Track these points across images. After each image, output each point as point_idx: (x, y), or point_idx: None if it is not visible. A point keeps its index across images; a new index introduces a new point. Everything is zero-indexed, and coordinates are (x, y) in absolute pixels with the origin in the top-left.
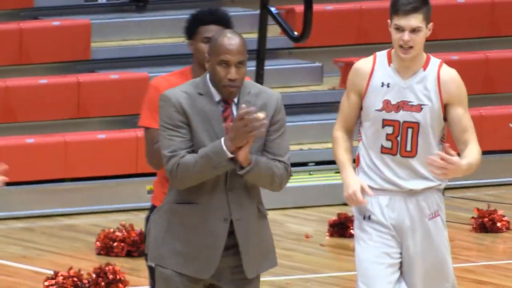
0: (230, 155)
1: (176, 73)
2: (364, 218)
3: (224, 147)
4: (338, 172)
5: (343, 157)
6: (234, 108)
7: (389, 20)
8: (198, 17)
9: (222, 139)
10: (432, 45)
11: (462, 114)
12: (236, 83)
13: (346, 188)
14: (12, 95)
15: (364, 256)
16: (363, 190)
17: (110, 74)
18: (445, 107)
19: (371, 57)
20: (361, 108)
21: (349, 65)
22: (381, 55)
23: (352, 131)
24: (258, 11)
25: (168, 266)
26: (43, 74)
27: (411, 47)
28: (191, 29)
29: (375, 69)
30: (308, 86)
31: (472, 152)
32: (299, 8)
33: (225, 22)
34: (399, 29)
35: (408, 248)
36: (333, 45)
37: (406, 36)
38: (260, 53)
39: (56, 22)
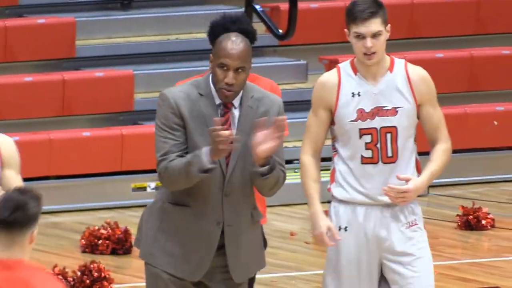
0: (208, 166)
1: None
2: (340, 229)
3: (204, 156)
4: (323, 170)
5: (312, 190)
6: (235, 111)
7: (346, 30)
8: (223, 25)
9: (206, 149)
10: (417, 42)
11: (432, 112)
12: (233, 87)
13: (313, 227)
14: None
15: (337, 264)
16: (330, 231)
17: (95, 72)
18: (418, 106)
19: (334, 69)
20: (332, 123)
21: (334, 62)
22: (344, 65)
23: (320, 151)
24: (243, 9)
25: (158, 266)
26: (28, 71)
27: (374, 52)
28: (215, 36)
29: (342, 81)
30: (293, 84)
31: (437, 156)
32: (284, 5)
33: (248, 32)
34: (360, 36)
35: (390, 259)
36: (318, 42)
37: (368, 42)
38: None
39: (41, 20)
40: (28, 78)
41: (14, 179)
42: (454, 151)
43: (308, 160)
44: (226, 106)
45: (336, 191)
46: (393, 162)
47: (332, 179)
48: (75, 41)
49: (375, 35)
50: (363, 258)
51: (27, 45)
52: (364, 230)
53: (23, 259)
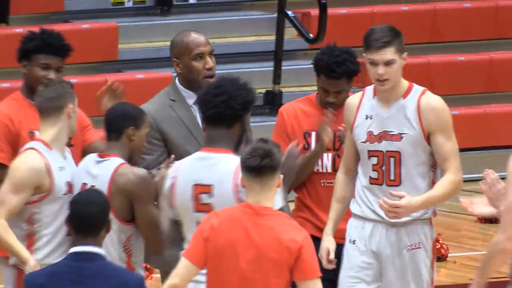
0: None
1: (304, 99)
2: (349, 241)
3: None
4: None
5: (331, 211)
6: None
7: (364, 54)
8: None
9: None
10: (440, 47)
11: (442, 142)
12: (213, 71)
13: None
14: None
15: (342, 275)
16: (328, 255)
17: (136, 74)
18: (428, 135)
19: (361, 92)
20: None
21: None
22: (369, 88)
23: (353, 169)
24: (275, 15)
25: None
26: (73, 74)
27: (386, 79)
28: (318, 73)
29: (362, 103)
30: None
31: (441, 185)
32: (314, 11)
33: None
34: (373, 63)
35: (387, 275)
36: (346, 46)
37: (380, 69)
38: (278, 54)
39: (85, 25)
40: (73, 80)
41: None
42: (476, 149)
43: (340, 177)
44: None
45: (352, 206)
46: (396, 186)
47: (353, 194)
48: (117, 45)
49: (388, 63)
50: (366, 271)
51: (74, 49)
52: (369, 245)
53: (271, 206)
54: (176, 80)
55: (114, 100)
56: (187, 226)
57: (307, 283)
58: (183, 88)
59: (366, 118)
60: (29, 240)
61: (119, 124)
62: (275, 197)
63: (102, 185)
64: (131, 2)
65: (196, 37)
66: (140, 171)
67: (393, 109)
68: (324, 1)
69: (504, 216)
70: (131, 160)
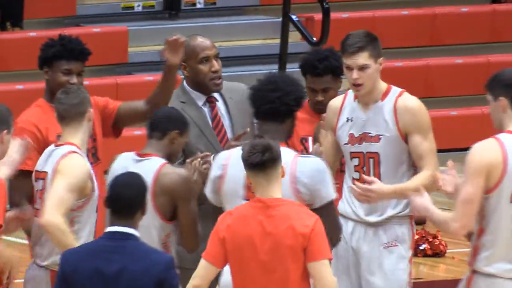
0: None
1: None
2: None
3: None
4: None
5: None
6: (220, 105)
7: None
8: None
9: None
10: (439, 50)
11: (419, 142)
12: (219, 74)
13: None
14: None
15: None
16: None
17: (146, 76)
18: (406, 135)
19: (343, 94)
20: None
21: None
22: (351, 91)
23: (333, 169)
24: (280, 19)
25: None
26: (84, 76)
27: (360, 84)
28: (304, 73)
29: (344, 106)
30: None
31: (415, 178)
32: (318, 16)
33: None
34: (348, 68)
35: (365, 271)
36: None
37: (355, 74)
38: (282, 57)
39: (96, 28)
40: (85, 82)
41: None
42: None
43: None
44: (211, 103)
45: (339, 205)
46: None
47: (340, 194)
48: (127, 48)
49: (362, 68)
50: (350, 268)
51: None
52: (350, 242)
53: (280, 197)
54: (184, 83)
55: (176, 52)
56: None
57: (315, 264)
58: (191, 90)
59: (347, 121)
60: None
61: (166, 125)
62: (280, 188)
63: None
64: (140, 6)
65: (202, 41)
66: (183, 171)
67: (372, 111)
68: (327, 6)
69: (458, 207)
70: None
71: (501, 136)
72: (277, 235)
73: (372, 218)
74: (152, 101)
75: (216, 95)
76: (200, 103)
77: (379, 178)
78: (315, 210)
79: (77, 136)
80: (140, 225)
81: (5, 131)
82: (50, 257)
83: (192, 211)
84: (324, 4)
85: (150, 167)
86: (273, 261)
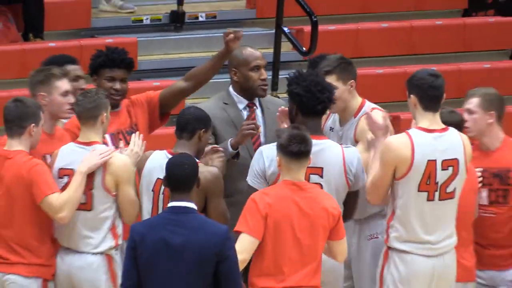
0: (230, 151)
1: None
2: None
3: (228, 145)
4: None
5: None
6: (258, 111)
7: None
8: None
9: (227, 141)
10: (416, 58)
11: (362, 149)
12: (266, 81)
13: None
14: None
15: None
16: None
17: (154, 82)
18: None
19: None
20: None
21: None
22: None
23: None
24: (273, 31)
25: None
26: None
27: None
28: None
29: (330, 115)
30: None
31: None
32: (307, 28)
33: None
34: None
35: (354, 262)
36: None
37: None
38: (275, 65)
39: (109, 39)
40: None
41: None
42: None
43: None
44: (250, 108)
45: None
46: None
47: None
48: (137, 57)
49: None
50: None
51: None
52: (348, 238)
53: (306, 181)
54: (230, 87)
55: (236, 42)
56: None
57: (340, 242)
58: (236, 94)
59: (330, 130)
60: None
61: (194, 125)
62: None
63: None
64: (148, 19)
65: (253, 51)
66: (214, 169)
67: (346, 127)
68: (315, 19)
69: (370, 186)
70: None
71: (411, 132)
72: (313, 216)
73: (359, 215)
74: (194, 78)
75: (256, 102)
76: (241, 106)
77: None
78: (350, 193)
79: (92, 136)
80: None
81: (33, 125)
82: (102, 244)
83: (222, 206)
84: (313, 17)
85: None
86: (308, 239)
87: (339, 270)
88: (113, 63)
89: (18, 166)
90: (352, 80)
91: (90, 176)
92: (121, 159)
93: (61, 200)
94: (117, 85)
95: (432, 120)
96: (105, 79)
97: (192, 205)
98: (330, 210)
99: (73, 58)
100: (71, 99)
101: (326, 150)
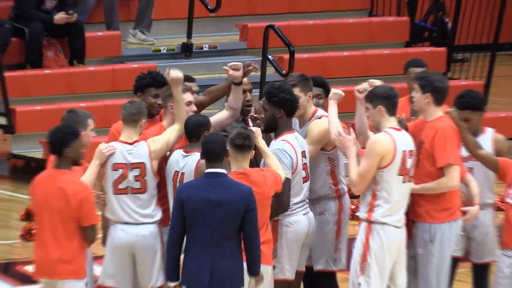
0: None
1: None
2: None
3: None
4: None
5: None
6: (250, 122)
7: None
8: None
9: None
10: (369, 79)
11: (311, 150)
12: (250, 102)
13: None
14: (108, 113)
15: None
16: None
17: None
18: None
19: None
20: None
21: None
22: None
23: None
24: (260, 58)
25: None
26: (128, 97)
27: None
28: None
29: (296, 118)
30: None
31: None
32: (286, 56)
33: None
34: None
35: (310, 234)
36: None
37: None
38: (262, 84)
39: (135, 64)
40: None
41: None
42: None
43: None
44: (245, 121)
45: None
46: (307, 181)
47: None
48: None
49: None
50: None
51: (127, 81)
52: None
53: (249, 169)
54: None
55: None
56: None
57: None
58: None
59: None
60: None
61: (198, 130)
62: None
63: (190, 172)
64: (165, 49)
65: (245, 80)
66: None
67: (302, 128)
68: (292, 49)
69: (356, 177)
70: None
71: (388, 131)
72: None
73: (311, 196)
74: (211, 94)
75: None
76: (239, 119)
77: (308, 176)
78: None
79: (132, 137)
80: None
81: (81, 130)
82: (156, 216)
83: None
84: (291, 48)
85: (193, 160)
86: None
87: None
88: (159, 83)
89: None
90: (310, 92)
91: (142, 167)
92: (156, 147)
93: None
94: (159, 101)
95: (395, 122)
96: (151, 96)
97: (223, 171)
98: (254, 189)
99: (192, 77)
100: (193, 107)
101: (299, 138)
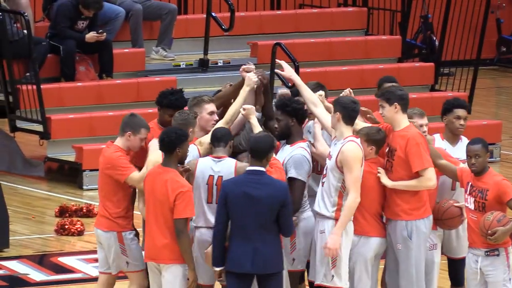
0: None
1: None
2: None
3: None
4: None
5: None
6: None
7: None
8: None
9: None
10: (364, 91)
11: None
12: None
13: None
14: None
15: None
16: None
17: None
18: None
19: None
20: None
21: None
22: None
23: None
24: (269, 72)
25: None
26: (151, 107)
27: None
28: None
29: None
30: None
31: None
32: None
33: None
34: None
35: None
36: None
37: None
38: (271, 95)
39: (157, 78)
40: (149, 110)
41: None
42: None
43: None
44: None
45: None
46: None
47: None
48: None
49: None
50: None
51: (150, 93)
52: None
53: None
54: None
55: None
56: None
57: None
58: None
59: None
60: None
61: (226, 138)
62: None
63: (229, 174)
64: (184, 64)
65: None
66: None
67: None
68: (297, 64)
69: (355, 186)
70: None
71: (354, 139)
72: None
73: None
74: (218, 101)
75: None
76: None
77: None
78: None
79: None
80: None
81: (130, 133)
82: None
83: None
84: (295, 63)
85: (229, 164)
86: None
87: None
88: (176, 107)
89: (104, 153)
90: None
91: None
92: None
93: (138, 177)
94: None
95: (351, 130)
96: (167, 114)
97: (263, 169)
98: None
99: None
100: (215, 117)
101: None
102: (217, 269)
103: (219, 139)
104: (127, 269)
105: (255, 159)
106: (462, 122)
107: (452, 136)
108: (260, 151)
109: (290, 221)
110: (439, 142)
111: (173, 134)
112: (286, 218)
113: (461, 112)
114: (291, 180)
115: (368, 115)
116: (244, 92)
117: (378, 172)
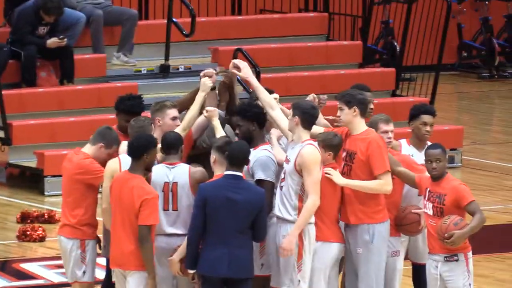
0: None
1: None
2: None
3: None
4: None
5: None
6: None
7: None
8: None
9: None
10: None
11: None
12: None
13: None
14: (94, 127)
15: None
16: None
17: (147, 113)
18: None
19: None
20: None
21: None
22: None
23: None
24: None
25: None
26: (112, 113)
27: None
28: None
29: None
30: None
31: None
32: None
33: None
34: None
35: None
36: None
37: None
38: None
39: (119, 84)
40: (112, 116)
41: None
42: None
43: None
44: None
45: None
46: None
47: None
48: None
49: None
50: None
51: (112, 99)
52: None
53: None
54: None
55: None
56: None
57: None
58: None
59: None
60: None
61: (177, 144)
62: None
63: (184, 180)
64: (145, 70)
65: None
66: (201, 168)
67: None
68: (258, 70)
69: (315, 188)
70: None
71: (312, 142)
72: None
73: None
74: (180, 105)
75: None
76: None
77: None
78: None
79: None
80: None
81: (102, 145)
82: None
83: None
84: (257, 68)
85: (183, 169)
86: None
87: None
88: (131, 113)
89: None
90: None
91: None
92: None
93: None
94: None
95: (308, 134)
96: (124, 120)
97: (241, 174)
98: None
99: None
100: (178, 122)
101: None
102: (191, 271)
103: (170, 146)
104: (82, 279)
105: (233, 165)
106: (428, 128)
107: (419, 142)
108: (241, 159)
109: (265, 226)
110: (406, 147)
111: (142, 140)
112: (261, 223)
113: (427, 118)
114: (259, 182)
115: (335, 123)
116: (199, 97)
117: (328, 173)
